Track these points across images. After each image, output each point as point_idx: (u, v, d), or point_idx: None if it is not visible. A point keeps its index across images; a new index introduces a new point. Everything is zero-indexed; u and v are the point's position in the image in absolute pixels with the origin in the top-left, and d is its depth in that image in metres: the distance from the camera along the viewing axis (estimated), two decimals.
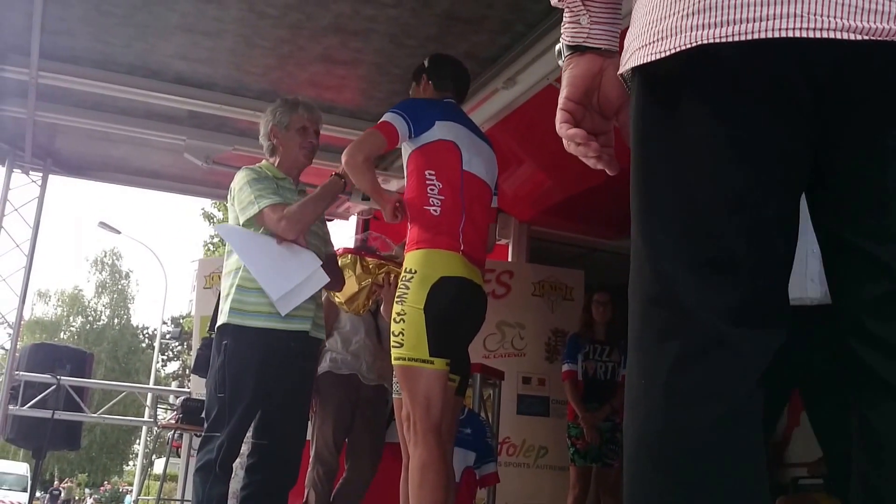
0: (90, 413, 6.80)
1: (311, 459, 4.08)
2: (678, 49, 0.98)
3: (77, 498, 28.39)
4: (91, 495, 29.44)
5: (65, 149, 6.01)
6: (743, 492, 0.96)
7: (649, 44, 1.01)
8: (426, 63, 3.27)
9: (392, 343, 2.81)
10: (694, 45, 0.96)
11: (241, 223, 3.15)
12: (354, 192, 5.10)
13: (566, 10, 1.17)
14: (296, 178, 3.34)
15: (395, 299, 2.82)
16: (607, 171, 1.14)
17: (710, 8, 0.96)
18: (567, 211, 5.84)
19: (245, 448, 3.21)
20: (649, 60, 1.01)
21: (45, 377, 6.25)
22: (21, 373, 6.20)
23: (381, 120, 2.90)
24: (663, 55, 0.99)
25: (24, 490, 19.53)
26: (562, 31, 1.19)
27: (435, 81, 3.20)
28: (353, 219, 6.57)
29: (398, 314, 2.79)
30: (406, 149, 2.98)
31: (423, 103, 3.07)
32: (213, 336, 3.26)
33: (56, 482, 26.16)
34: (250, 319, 3.06)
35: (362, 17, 4.05)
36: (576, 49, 1.17)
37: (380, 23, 4.09)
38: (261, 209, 3.07)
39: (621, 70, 1.10)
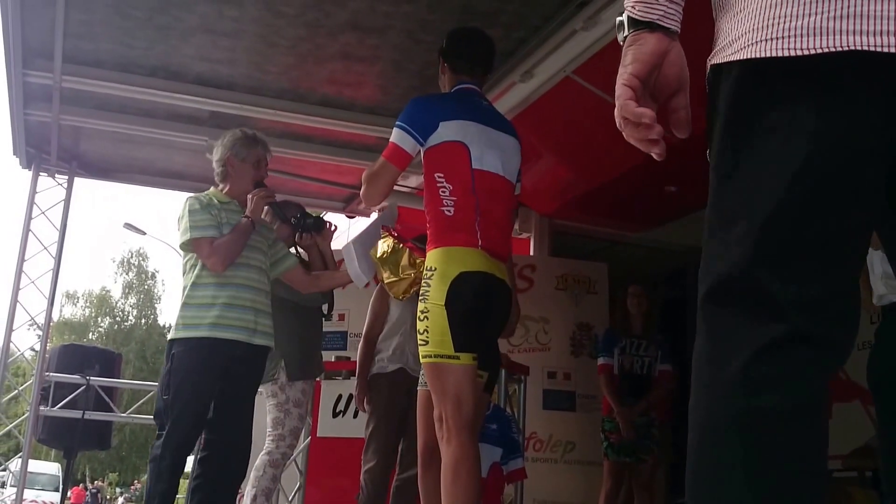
0: (120, 413, 6.83)
1: (365, 457, 4.12)
2: (827, 50, 0.96)
3: (108, 497, 28.69)
4: (122, 494, 29.76)
5: (89, 151, 6.07)
6: (808, 481, 0.99)
7: (780, 38, 0.99)
8: (444, 42, 3.22)
9: (418, 341, 2.81)
10: (847, 48, 0.95)
11: (179, 245, 3.50)
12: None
13: None
14: (243, 202, 3.59)
15: (419, 298, 2.81)
16: (654, 156, 1.12)
17: (863, 15, 0.95)
18: (589, 204, 5.80)
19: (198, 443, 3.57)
20: (787, 55, 0.99)
21: (74, 378, 6.28)
22: (51, 374, 6.24)
23: (390, 140, 2.90)
24: (805, 53, 0.97)
25: (56, 490, 19.76)
26: (628, 4, 1.15)
27: (450, 63, 3.16)
28: (374, 216, 6.55)
29: (422, 312, 2.79)
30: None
31: (425, 105, 3.00)
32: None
33: (89, 482, 26.44)
34: (193, 331, 3.37)
35: (379, 13, 4.06)
36: (647, 26, 1.13)
37: (396, 19, 4.11)
38: (192, 238, 3.43)
39: (725, 59, 1.06)
